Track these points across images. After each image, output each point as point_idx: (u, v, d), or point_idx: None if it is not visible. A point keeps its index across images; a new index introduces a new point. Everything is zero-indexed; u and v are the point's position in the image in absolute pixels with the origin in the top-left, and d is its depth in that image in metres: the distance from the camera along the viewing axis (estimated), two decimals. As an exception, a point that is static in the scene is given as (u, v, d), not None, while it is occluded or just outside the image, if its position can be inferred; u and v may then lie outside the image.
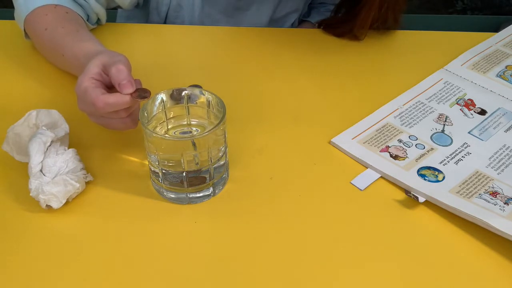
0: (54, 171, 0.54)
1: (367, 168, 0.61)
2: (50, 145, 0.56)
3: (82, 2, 0.76)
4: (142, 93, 0.54)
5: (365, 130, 0.66)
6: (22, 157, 0.57)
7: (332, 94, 0.72)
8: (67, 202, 0.55)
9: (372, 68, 0.78)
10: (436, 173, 0.60)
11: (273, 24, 0.93)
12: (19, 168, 0.58)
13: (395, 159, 0.61)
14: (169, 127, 0.57)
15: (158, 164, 0.54)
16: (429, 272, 0.50)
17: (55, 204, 0.54)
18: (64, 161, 0.55)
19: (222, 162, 0.56)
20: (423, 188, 0.57)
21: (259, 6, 0.90)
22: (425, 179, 0.59)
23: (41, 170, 0.54)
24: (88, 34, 0.68)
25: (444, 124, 0.67)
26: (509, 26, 0.88)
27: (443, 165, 0.61)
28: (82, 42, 0.65)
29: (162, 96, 0.55)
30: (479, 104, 0.71)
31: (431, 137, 0.65)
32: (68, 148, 0.58)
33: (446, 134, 0.66)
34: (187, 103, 0.56)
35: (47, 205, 0.54)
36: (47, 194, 0.53)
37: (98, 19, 0.81)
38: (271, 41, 0.82)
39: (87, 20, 0.79)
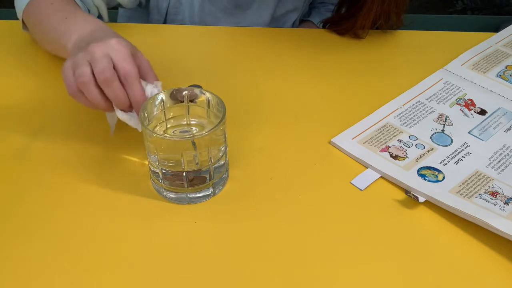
0: None
1: (367, 168, 0.61)
2: None
3: None
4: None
5: (365, 130, 0.66)
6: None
7: (332, 94, 0.72)
8: (64, 202, 0.55)
9: (372, 68, 0.78)
10: (436, 173, 0.60)
11: (274, 23, 0.94)
12: (25, 163, 0.58)
13: (395, 159, 0.61)
14: (169, 127, 0.57)
15: (158, 164, 0.54)
16: (429, 272, 0.50)
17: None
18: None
19: (222, 162, 0.56)
20: (423, 188, 0.57)
21: (260, 4, 0.90)
22: (425, 179, 0.59)
23: None
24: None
25: (444, 124, 0.67)
26: (509, 26, 0.88)
27: (443, 165, 0.61)
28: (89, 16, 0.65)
29: (162, 96, 0.55)
30: (479, 104, 0.71)
31: (431, 137, 0.65)
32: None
33: (446, 134, 0.66)
34: (187, 103, 0.56)
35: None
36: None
37: (100, 16, 0.81)
38: (271, 41, 0.82)
39: None
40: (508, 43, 0.84)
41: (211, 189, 0.56)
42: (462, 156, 0.62)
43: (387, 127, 0.66)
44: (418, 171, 0.60)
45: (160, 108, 0.55)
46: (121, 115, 0.56)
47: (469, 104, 0.71)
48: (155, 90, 0.56)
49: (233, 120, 0.61)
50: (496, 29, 0.88)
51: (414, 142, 0.64)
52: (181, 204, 0.56)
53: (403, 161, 0.61)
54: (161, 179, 0.55)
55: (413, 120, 0.67)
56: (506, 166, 0.61)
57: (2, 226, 0.54)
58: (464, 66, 0.78)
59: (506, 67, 0.78)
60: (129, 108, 0.56)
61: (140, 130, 0.55)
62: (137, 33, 0.84)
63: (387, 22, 0.82)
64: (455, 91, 0.73)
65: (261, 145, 0.64)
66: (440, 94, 0.72)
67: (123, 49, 0.55)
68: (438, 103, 0.71)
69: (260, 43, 0.82)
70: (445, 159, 0.62)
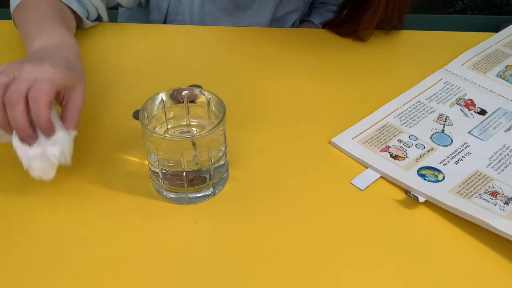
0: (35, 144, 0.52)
1: (367, 168, 0.61)
2: None
3: None
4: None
5: (365, 130, 0.66)
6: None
7: (332, 94, 0.72)
8: (64, 202, 0.55)
9: (371, 68, 0.78)
10: (436, 173, 0.60)
11: (274, 23, 0.94)
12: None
13: (395, 159, 0.61)
14: (169, 127, 0.57)
15: (158, 164, 0.54)
16: (429, 272, 0.50)
17: (45, 177, 0.53)
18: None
19: (222, 162, 0.56)
20: (423, 188, 0.57)
21: (260, 4, 0.90)
22: (425, 179, 0.59)
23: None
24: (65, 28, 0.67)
25: (444, 124, 0.67)
26: (509, 26, 0.88)
27: (443, 165, 0.61)
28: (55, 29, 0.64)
29: (162, 96, 0.55)
30: (479, 104, 0.71)
31: (431, 137, 0.65)
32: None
33: (446, 134, 0.66)
34: (187, 103, 0.56)
35: (40, 178, 0.53)
36: (35, 169, 0.52)
37: (99, 16, 0.81)
38: (271, 41, 0.82)
39: (87, 17, 0.79)
40: (508, 43, 0.84)
41: (211, 189, 0.56)
42: (462, 156, 0.62)
43: (387, 127, 0.66)
44: (418, 171, 0.60)
45: (160, 108, 0.56)
46: (16, 144, 0.52)
47: (469, 104, 0.71)
48: (59, 135, 0.53)
49: (233, 120, 0.61)
50: (496, 29, 0.88)
51: (414, 142, 0.64)
52: (181, 204, 0.56)
53: (403, 161, 0.61)
54: (161, 179, 0.55)
55: (413, 120, 0.67)
56: (506, 166, 0.61)
57: (2, 226, 0.54)
58: (464, 66, 0.78)
59: (506, 67, 0.78)
60: (28, 139, 0.52)
61: (47, 177, 0.53)
62: (137, 33, 0.84)
63: (389, 24, 0.82)
64: (455, 91, 0.73)
65: (261, 145, 0.64)
66: (440, 94, 0.72)
67: (52, 77, 0.52)
68: (438, 103, 0.71)
69: (260, 43, 0.82)
70: (445, 159, 0.62)
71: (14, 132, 0.53)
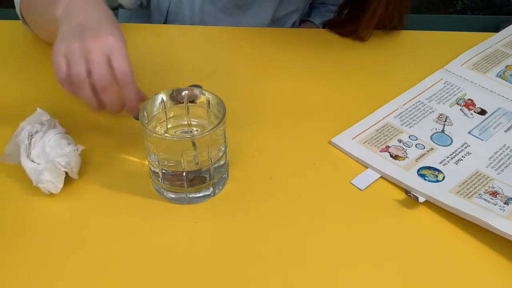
0: (44, 157, 0.55)
1: (367, 168, 0.61)
2: (33, 136, 0.57)
3: None
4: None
5: (365, 130, 0.66)
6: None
7: (332, 94, 0.72)
8: (64, 201, 0.55)
9: (372, 68, 0.78)
10: (436, 173, 0.60)
11: (274, 23, 0.94)
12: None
13: (395, 159, 0.61)
14: (169, 127, 0.57)
15: (158, 164, 0.54)
16: (429, 272, 0.50)
17: (53, 190, 0.55)
18: (48, 144, 0.56)
19: (222, 162, 0.56)
20: (423, 188, 0.57)
21: (261, 5, 0.90)
22: (425, 179, 0.59)
23: (32, 161, 0.56)
24: None
25: (444, 124, 0.67)
26: (509, 26, 0.88)
27: (443, 165, 0.61)
28: None
29: (162, 96, 0.55)
30: (479, 104, 0.71)
31: (431, 137, 0.65)
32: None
33: (446, 134, 0.66)
34: (187, 103, 0.56)
35: (49, 191, 0.55)
36: (44, 182, 0.54)
37: None
38: (271, 41, 0.82)
39: None
40: (508, 43, 0.84)
41: (211, 189, 0.56)
42: (462, 156, 0.62)
43: (387, 127, 0.66)
44: (418, 171, 0.60)
45: (161, 108, 0.56)
46: (24, 162, 0.56)
47: (469, 104, 0.71)
48: (67, 150, 0.56)
49: (233, 120, 0.61)
50: (496, 29, 0.88)
51: (414, 142, 0.64)
52: (181, 204, 0.56)
53: (403, 161, 0.61)
54: (161, 179, 0.55)
55: (413, 120, 0.67)
56: (506, 166, 0.61)
57: (2, 226, 0.54)
58: (464, 66, 0.78)
59: (506, 67, 0.78)
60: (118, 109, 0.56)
61: (55, 189, 0.55)
62: (137, 33, 0.84)
63: (390, 24, 0.82)
64: (455, 91, 0.73)
65: (261, 145, 0.64)
66: (440, 94, 0.72)
67: (121, 49, 0.54)
68: (438, 103, 0.71)
69: (260, 43, 0.82)
70: (445, 159, 0.62)
71: (22, 150, 0.56)
